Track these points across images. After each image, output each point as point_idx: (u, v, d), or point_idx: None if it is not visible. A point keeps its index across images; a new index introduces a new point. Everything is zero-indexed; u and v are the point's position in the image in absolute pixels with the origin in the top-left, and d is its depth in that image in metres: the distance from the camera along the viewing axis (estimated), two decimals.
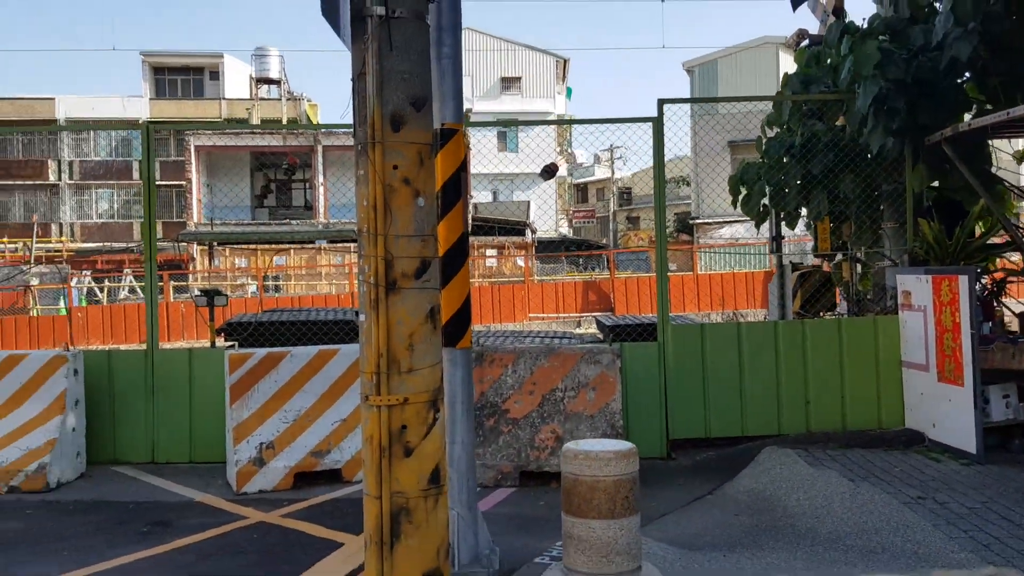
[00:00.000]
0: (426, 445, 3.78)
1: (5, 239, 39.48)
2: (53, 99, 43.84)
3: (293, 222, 37.42)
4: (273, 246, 32.96)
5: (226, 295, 9.61)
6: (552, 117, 50.48)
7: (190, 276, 31.71)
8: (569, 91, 55.88)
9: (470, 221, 4.94)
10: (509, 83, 51.64)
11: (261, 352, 7.00)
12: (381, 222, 3.74)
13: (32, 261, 30.89)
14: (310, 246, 34.02)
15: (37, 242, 37.12)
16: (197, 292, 9.20)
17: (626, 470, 3.99)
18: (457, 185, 4.67)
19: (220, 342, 9.14)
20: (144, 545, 5.37)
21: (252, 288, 28.83)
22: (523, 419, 6.90)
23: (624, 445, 4.10)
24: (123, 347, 11.53)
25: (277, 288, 30.40)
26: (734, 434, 7.45)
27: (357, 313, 9.24)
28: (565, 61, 53.24)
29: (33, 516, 6.10)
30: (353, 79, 3.82)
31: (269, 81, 43.15)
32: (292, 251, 33.66)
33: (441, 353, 3.94)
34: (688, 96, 42.26)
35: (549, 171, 11.28)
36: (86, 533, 5.67)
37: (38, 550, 5.33)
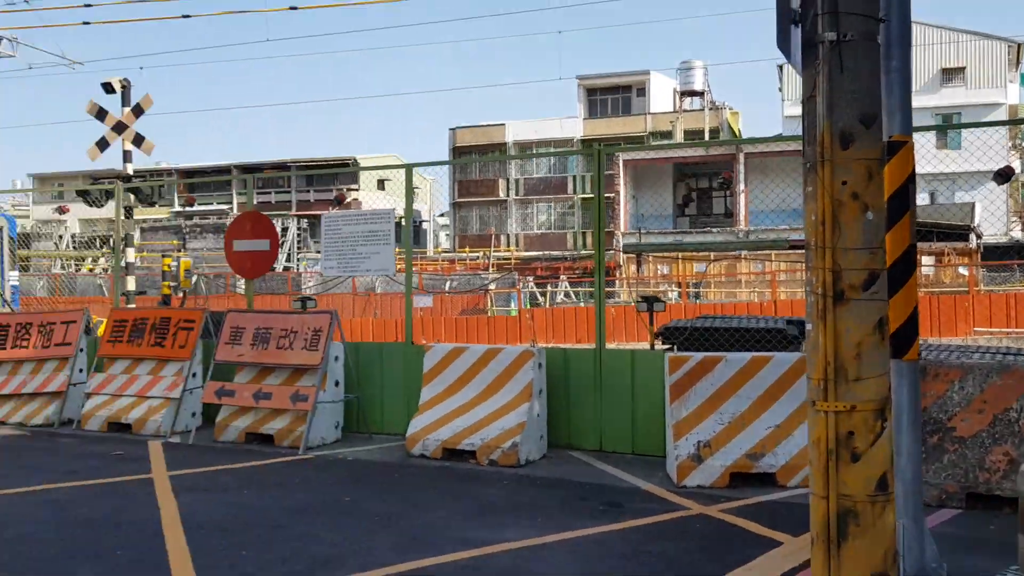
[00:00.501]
0: (873, 452, 3.90)
1: (467, 249, 45.41)
2: (504, 125, 49.42)
3: (713, 230, 38.01)
4: (695, 254, 33.80)
5: (664, 302, 10.33)
6: (1003, 109, 45.01)
7: (617, 283, 33.76)
8: (1023, 78, 49.26)
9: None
10: (951, 74, 47.04)
11: (698, 356, 7.49)
12: (829, 236, 3.94)
13: (491, 268, 35.23)
14: (731, 253, 34.29)
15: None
16: (639, 299, 10.03)
17: None
18: (904, 196, 4.68)
19: (657, 345, 9.83)
20: (601, 521, 6.11)
21: (672, 294, 29.87)
22: (971, 438, 6.53)
23: None
24: (570, 346, 12.83)
25: (697, 295, 31.11)
26: None
27: (788, 322, 9.37)
28: (1019, 46, 47.06)
29: (509, 487, 7.22)
30: (803, 101, 4.09)
31: (693, 93, 44.27)
32: (712, 258, 34.21)
33: (888, 364, 4.03)
34: None
35: (1004, 175, 10.21)
36: (553, 505, 6.60)
37: (519, 514, 6.35)
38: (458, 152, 50.23)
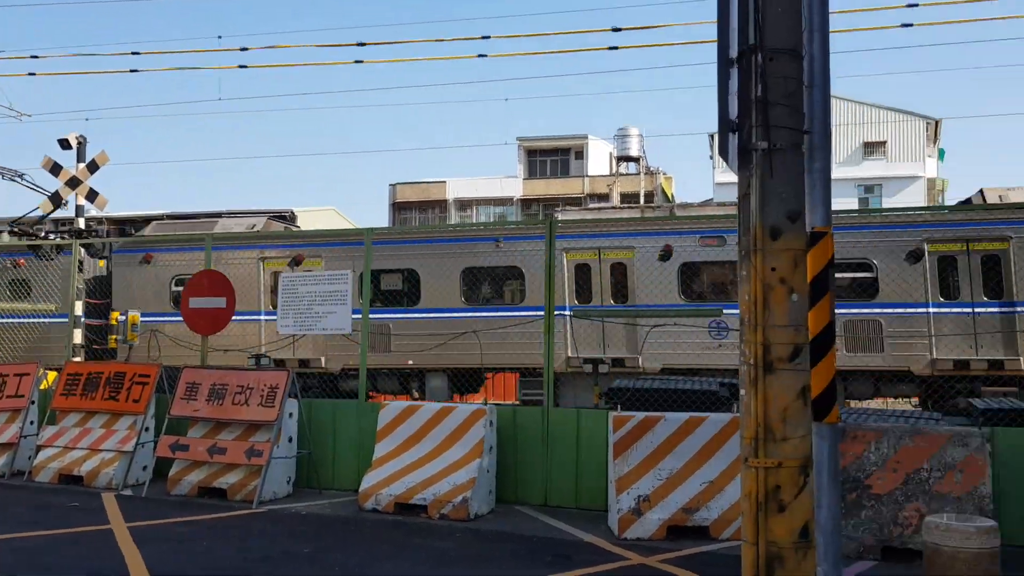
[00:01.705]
0: (797, 504, 4.46)
1: None
2: (444, 182, 50.21)
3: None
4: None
5: (607, 363, 10.91)
6: (920, 181, 47.57)
7: None
8: (942, 153, 52.13)
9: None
10: (872, 148, 49.59)
11: (640, 415, 8.03)
12: (760, 314, 4.55)
13: None
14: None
15: None
16: (584, 359, 10.54)
17: (986, 544, 4.34)
18: (825, 280, 5.32)
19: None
20: (551, 570, 6.54)
21: None
22: (886, 496, 7.17)
23: (986, 522, 4.45)
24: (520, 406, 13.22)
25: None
26: None
27: (720, 384, 10.00)
28: (936, 122, 49.97)
29: (461, 539, 7.59)
30: (739, 198, 4.72)
31: (629, 159, 45.74)
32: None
33: (810, 426, 4.62)
34: None
35: (915, 256, 11.18)
36: (505, 556, 7.01)
37: (473, 565, 6.74)
38: (398, 208, 50.73)
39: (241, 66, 21.43)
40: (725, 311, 10.75)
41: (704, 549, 7.27)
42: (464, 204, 49.86)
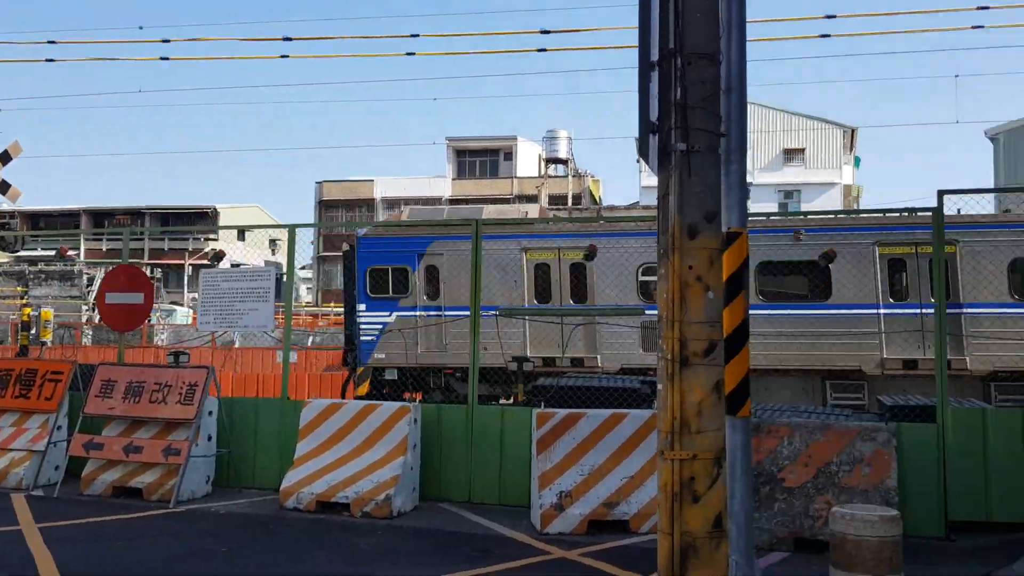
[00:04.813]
0: (711, 495, 4.60)
1: (331, 304, 45.08)
2: (372, 181, 49.83)
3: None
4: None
5: (532, 361, 11.04)
6: (837, 187, 49.15)
7: None
8: (857, 160, 53.93)
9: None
10: (792, 154, 51.02)
11: (563, 412, 8.14)
12: (678, 310, 4.68)
13: None
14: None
15: None
16: (511, 358, 10.60)
17: (889, 532, 4.54)
18: (740, 279, 5.46)
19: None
20: (472, 566, 6.58)
21: None
22: (798, 489, 7.42)
23: (888, 511, 4.66)
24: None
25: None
26: (1018, 520, 7.44)
27: (642, 382, 10.17)
28: (853, 131, 51.67)
29: (383, 536, 7.58)
30: (659, 198, 4.85)
31: (558, 160, 46.14)
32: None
33: (724, 419, 4.76)
34: (991, 168, 39.39)
35: (828, 257, 11.59)
36: (426, 552, 7.02)
37: (395, 562, 6.74)
38: (324, 206, 50.14)
39: (163, 58, 20.92)
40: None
41: (624, 542, 7.41)
42: (391, 203, 49.55)
